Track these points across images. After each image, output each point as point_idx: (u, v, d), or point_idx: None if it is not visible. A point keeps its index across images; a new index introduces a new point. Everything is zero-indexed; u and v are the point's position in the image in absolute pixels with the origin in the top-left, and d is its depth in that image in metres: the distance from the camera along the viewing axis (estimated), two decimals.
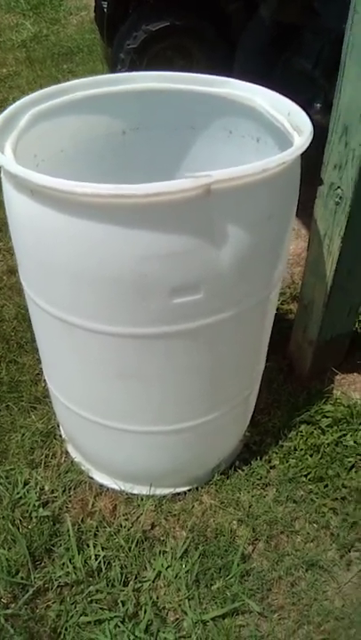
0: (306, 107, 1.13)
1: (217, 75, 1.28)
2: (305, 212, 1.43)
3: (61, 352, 1.20)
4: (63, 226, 0.93)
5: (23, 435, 1.54)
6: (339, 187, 1.26)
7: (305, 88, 2.20)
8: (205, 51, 2.79)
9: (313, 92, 2.20)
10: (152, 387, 1.17)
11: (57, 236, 0.95)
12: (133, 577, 1.26)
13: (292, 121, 1.12)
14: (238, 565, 1.27)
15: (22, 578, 1.25)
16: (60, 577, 1.25)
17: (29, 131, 1.14)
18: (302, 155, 1.02)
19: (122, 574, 1.26)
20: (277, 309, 1.86)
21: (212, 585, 1.25)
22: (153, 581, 1.25)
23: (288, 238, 1.13)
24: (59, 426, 1.55)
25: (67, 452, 1.50)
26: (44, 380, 1.58)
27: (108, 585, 1.24)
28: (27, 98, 1.17)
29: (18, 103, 1.15)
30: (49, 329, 1.17)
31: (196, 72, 1.29)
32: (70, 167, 1.29)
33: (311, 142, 1.02)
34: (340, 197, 1.26)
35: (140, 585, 1.25)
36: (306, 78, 2.26)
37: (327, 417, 1.56)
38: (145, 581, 1.25)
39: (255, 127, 1.27)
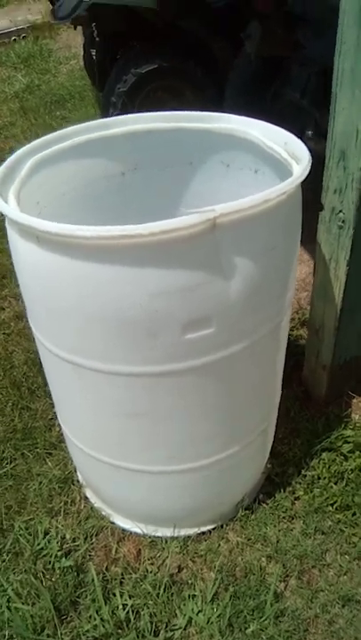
0: (298, 135, 1.14)
1: (209, 111, 1.31)
2: (306, 237, 1.44)
3: (73, 394, 1.19)
4: (71, 270, 0.93)
5: (40, 482, 1.51)
6: (341, 210, 1.26)
7: (295, 117, 2.25)
8: (195, 90, 2.86)
9: (303, 120, 2.24)
10: (166, 425, 1.15)
11: (65, 280, 0.95)
12: (164, 625, 1.21)
13: (290, 150, 1.14)
14: (272, 605, 1.22)
15: (48, 635, 1.20)
16: (87, 631, 1.20)
17: (31, 179, 1.16)
18: (302, 183, 1.03)
19: (151, 623, 1.21)
20: (288, 336, 1.85)
21: (246, 628, 1.20)
22: (184, 629, 1.21)
23: (295, 264, 1.13)
24: (76, 471, 1.52)
25: (86, 498, 1.47)
26: (59, 425, 1.56)
27: (138, 636, 1.19)
28: (26, 147, 1.20)
29: (18, 153, 1.17)
30: (60, 372, 1.16)
31: (189, 110, 1.32)
32: (72, 211, 1.31)
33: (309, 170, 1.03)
34: (343, 221, 1.27)
35: (171, 634, 1.20)
36: (295, 108, 2.31)
37: (348, 442, 1.53)
38: (176, 629, 1.20)
39: (252, 159, 1.28)
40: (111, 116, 2.71)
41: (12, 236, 1.03)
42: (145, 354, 1.01)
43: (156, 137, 1.34)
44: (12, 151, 1.17)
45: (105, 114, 3.04)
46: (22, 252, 1.01)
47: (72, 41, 5.52)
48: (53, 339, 1.10)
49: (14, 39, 5.77)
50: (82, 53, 3.77)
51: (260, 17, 2.20)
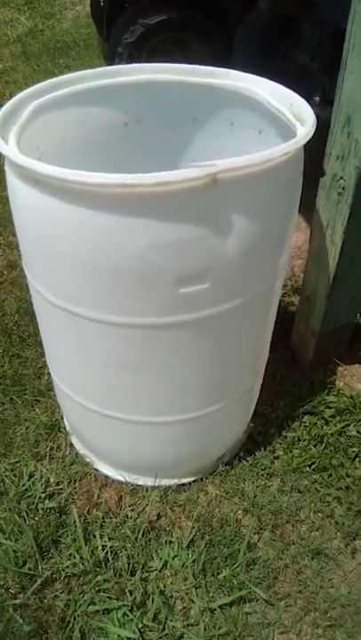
0: (305, 99, 1.13)
1: (217, 66, 1.28)
2: (305, 204, 1.44)
3: (67, 343, 1.20)
4: (69, 216, 0.93)
5: (27, 428, 1.54)
6: (342, 177, 1.26)
7: (303, 81, 2.20)
8: (203, 43, 2.79)
9: (312, 84, 2.20)
10: (157, 377, 1.17)
11: (63, 226, 0.95)
12: (140, 567, 1.27)
13: (295, 112, 1.13)
14: (244, 554, 1.28)
15: (30, 569, 1.25)
16: (67, 567, 1.25)
17: (32, 123, 1.14)
18: (305, 146, 1.02)
19: (129, 564, 1.27)
20: (279, 301, 1.87)
21: (218, 574, 1.26)
22: (160, 571, 1.26)
23: (292, 227, 1.14)
24: (63, 418, 1.55)
25: (71, 445, 1.51)
26: (48, 373, 1.58)
27: (115, 575, 1.25)
28: (28, 90, 1.17)
29: (20, 95, 1.15)
30: (54, 320, 1.17)
31: (197, 64, 1.29)
32: (73, 159, 1.29)
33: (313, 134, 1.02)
34: (343, 188, 1.27)
35: (147, 574, 1.26)
36: (304, 71, 2.26)
37: (330, 407, 1.57)
38: (152, 571, 1.26)
39: (257, 118, 1.27)
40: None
41: (11, 178, 1.02)
42: (139, 305, 1.02)
43: (161, 89, 1.31)
44: (12, 97, 1.15)
45: (110, 64, 2.96)
46: (20, 196, 1.01)
47: None
48: (49, 287, 1.10)
49: None
50: None
51: None
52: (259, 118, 1.26)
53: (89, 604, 1.20)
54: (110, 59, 2.95)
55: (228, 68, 1.28)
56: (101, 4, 3.12)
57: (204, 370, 1.17)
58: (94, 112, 1.31)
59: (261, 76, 1.23)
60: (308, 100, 1.15)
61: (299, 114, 1.12)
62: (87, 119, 1.31)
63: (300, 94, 1.14)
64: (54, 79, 1.22)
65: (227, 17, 2.70)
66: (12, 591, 1.23)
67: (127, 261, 0.94)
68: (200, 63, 1.30)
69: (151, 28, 2.76)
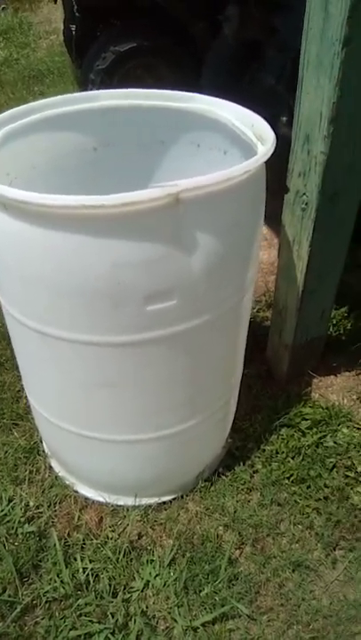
0: (272, 121, 1.17)
1: (185, 91, 1.32)
2: (277, 221, 1.48)
3: (40, 364, 1.21)
4: (37, 238, 0.95)
5: (6, 452, 1.53)
6: (304, 193, 1.30)
7: (270, 103, 2.27)
8: (173, 69, 2.86)
9: (278, 106, 2.27)
10: (131, 395, 1.18)
11: (32, 249, 0.97)
12: (122, 588, 1.26)
13: (256, 132, 1.17)
14: (226, 570, 1.28)
15: (10, 595, 1.24)
16: (47, 592, 1.24)
17: (1, 149, 1.17)
18: (268, 164, 1.06)
19: (110, 586, 1.26)
20: (253, 317, 1.90)
21: (200, 591, 1.25)
22: (142, 591, 1.25)
23: (257, 243, 1.17)
24: (41, 441, 1.55)
25: (50, 467, 1.50)
26: (25, 397, 1.58)
27: (96, 597, 1.24)
28: None
29: None
30: (27, 342, 1.18)
31: (164, 88, 1.34)
32: (43, 183, 1.32)
33: (276, 152, 1.06)
34: (306, 204, 1.30)
35: (128, 595, 1.25)
36: (271, 93, 2.33)
37: (306, 419, 1.59)
38: (134, 591, 1.25)
39: (222, 140, 1.31)
40: None
41: None
42: (109, 324, 1.03)
43: (128, 114, 1.35)
44: None
45: (84, 90, 3.01)
46: None
47: (53, 15, 5.42)
48: (21, 309, 1.11)
49: None
50: (62, 28, 3.71)
51: (238, 0, 2.21)
52: (223, 139, 1.30)
53: (70, 629, 1.19)
54: (83, 85, 3.01)
55: (197, 92, 1.32)
56: (73, 32, 3.20)
57: (177, 386, 1.18)
58: (64, 137, 1.34)
59: (230, 99, 1.27)
60: (276, 120, 1.19)
61: (260, 134, 1.16)
62: (57, 145, 1.34)
63: (267, 116, 1.18)
64: (24, 106, 1.25)
65: (195, 44, 2.79)
66: None
67: (95, 281, 0.96)
68: (169, 88, 1.34)
69: (122, 54, 2.83)
